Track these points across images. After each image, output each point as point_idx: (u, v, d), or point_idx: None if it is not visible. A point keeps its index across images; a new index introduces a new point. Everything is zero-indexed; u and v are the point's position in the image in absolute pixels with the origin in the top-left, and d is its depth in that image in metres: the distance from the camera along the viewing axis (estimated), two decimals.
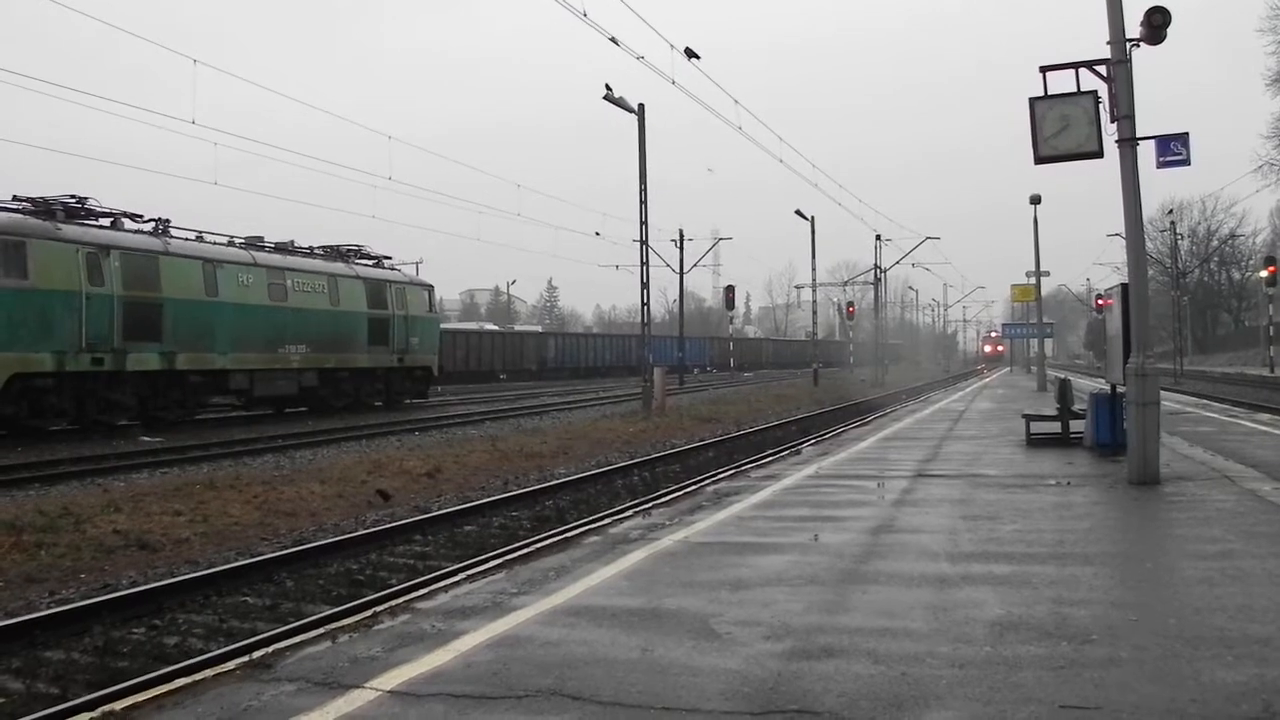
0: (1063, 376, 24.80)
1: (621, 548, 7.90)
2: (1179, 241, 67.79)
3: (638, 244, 30.43)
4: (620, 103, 27.14)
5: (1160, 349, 53.03)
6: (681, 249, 54.92)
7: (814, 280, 56.29)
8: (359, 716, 4.24)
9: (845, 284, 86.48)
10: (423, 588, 7.30)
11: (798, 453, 16.41)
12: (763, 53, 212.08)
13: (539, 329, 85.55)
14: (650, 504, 11.23)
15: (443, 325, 43.33)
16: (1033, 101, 11.23)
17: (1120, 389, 12.38)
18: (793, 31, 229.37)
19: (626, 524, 9.22)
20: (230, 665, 5.13)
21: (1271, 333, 49.79)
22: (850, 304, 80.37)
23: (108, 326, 21.09)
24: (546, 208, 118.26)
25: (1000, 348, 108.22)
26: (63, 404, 20.75)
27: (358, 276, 30.13)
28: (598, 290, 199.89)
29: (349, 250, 31.07)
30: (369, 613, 6.22)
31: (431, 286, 34.72)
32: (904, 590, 6.22)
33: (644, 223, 29.79)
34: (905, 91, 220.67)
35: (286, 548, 10.73)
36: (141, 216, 23.40)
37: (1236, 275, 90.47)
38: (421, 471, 16.09)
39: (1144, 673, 4.50)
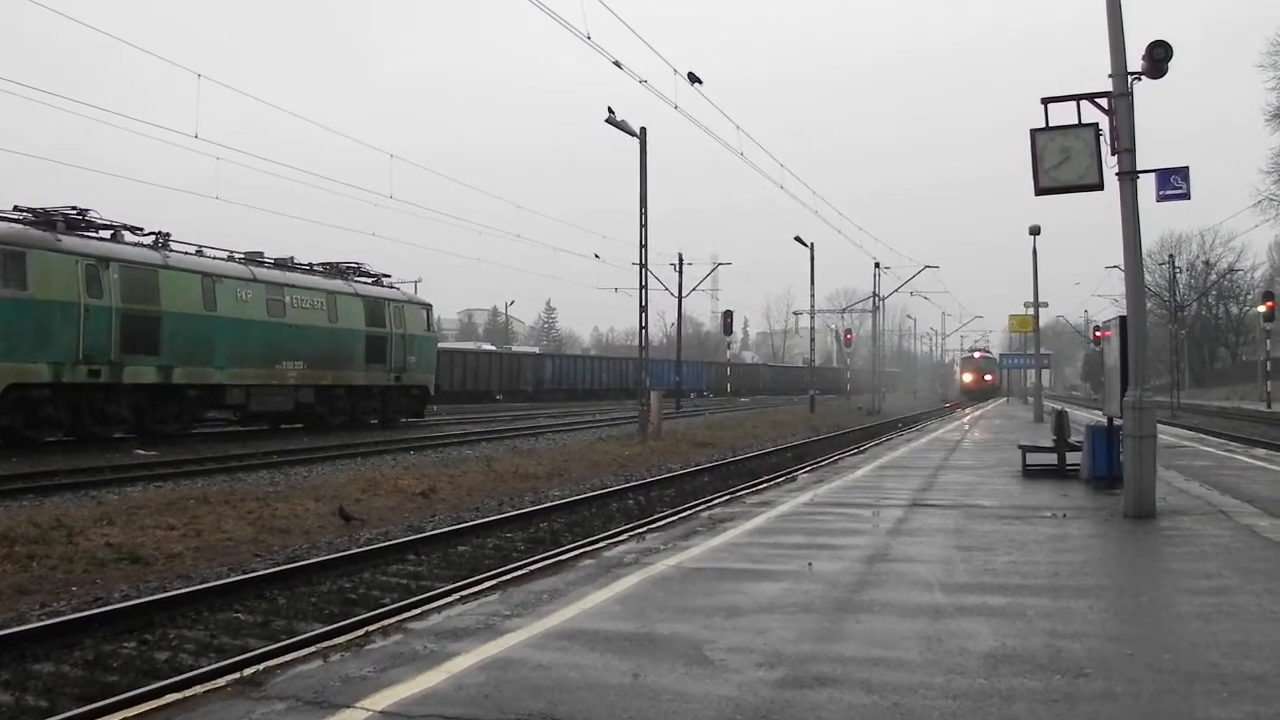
0: (1059, 408, 24.78)
1: (615, 571, 7.88)
2: (1177, 275, 68.03)
3: (637, 267, 30.51)
4: (622, 126, 27.26)
5: (1157, 382, 53.08)
6: (680, 273, 55.10)
7: (812, 307, 56.44)
8: None
9: (843, 311, 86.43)
10: (415, 608, 7.27)
11: (793, 479, 16.39)
12: (766, 82, 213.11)
13: (536, 350, 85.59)
14: (645, 528, 11.20)
15: (440, 345, 43.32)
16: (1034, 133, 11.28)
17: (1117, 421, 12.37)
18: (797, 60, 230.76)
19: (621, 548, 9.19)
20: (221, 682, 5.11)
21: (1269, 368, 49.86)
22: (848, 331, 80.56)
23: (105, 338, 21.10)
24: (546, 229, 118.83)
25: (989, 377, 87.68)
26: (59, 415, 20.74)
27: (356, 294, 30.17)
28: (596, 312, 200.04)
29: (348, 267, 31.14)
30: (361, 632, 6.20)
31: (430, 305, 34.77)
32: (898, 620, 6.20)
33: (643, 246, 29.86)
34: (908, 124, 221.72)
35: (279, 564, 10.69)
36: (142, 229, 23.50)
37: (1234, 309, 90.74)
38: (416, 491, 16.06)
39: (1138, 708, 4.48)
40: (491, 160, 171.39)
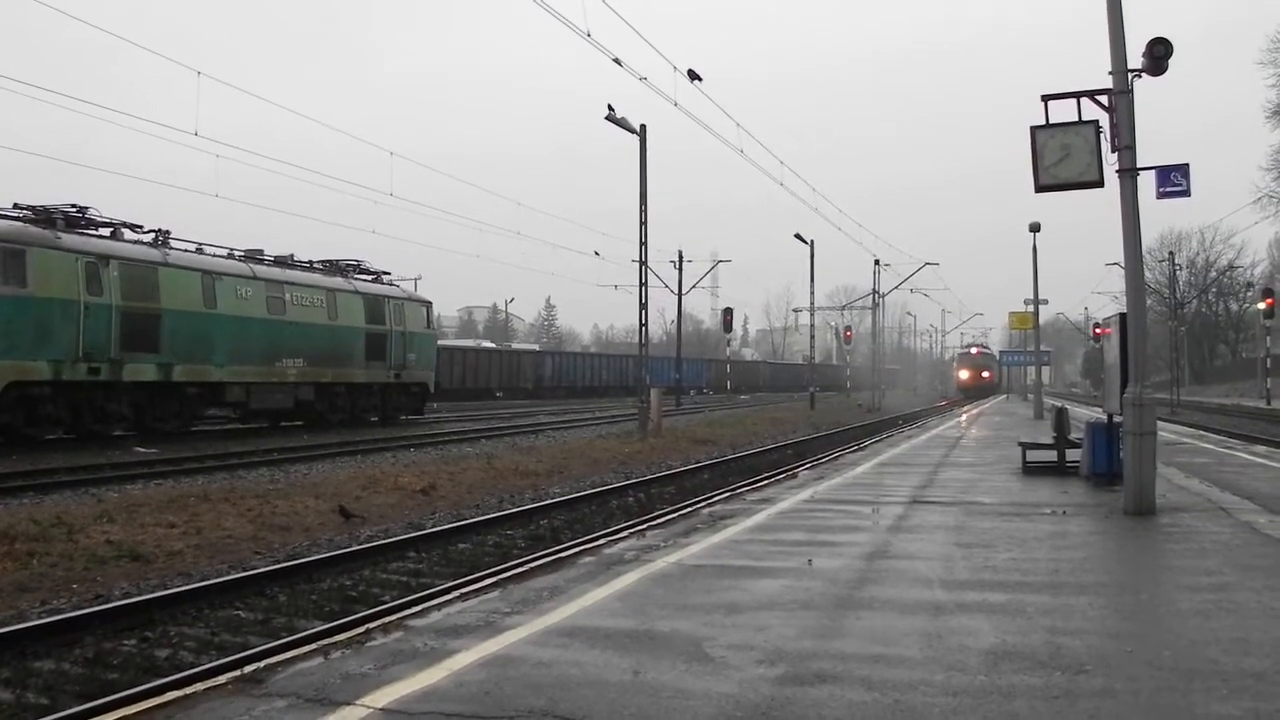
0: (1059, 405, 24.77)
1: (616, 569, 7.88)
2: (1177, 272, 68.04)
3: (637, 264, 30.51)
4: (622, 123, 27.25)
5: (1157, 379, 53.07)
6: (680, 270, 55.11)
7: (812, 304, 56.42)
8: None
9: (843, 308, 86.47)
10: (416, 605, 7.28)
11: (793, 476, 16.38)
12: (765, 81, 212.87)
13: (536, 347, 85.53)
14: (645, 525, 11.21)
15: (440, 342, 43.31)
16: (1034, 130, 11.28)
17: (1117, 418, 12.38)
18: (796, 59, 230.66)
19: (621, 545, 9.19)
20: (222, 679, 5.11)
21: (1269, 365, 49.85)
22: (848, 328, 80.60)
23: (105, 336, 21.09)
24: (546, 227, 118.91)
25: (987, 373, 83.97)
26: (59, 413, 20.73)
27: (356, 291, 30.16)
28: (596, 310, 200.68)
29: (348, 265, 31.15)
30: (361, 629, 6.20)
31: (429, 303, 34.76)
32: (898, 617, 6.20)
33: (643, 243, 29.85)
34: (908, 123, 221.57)
35: (279, 562, 10.69)
36: (141, 227, 23.50)
37: (1234, 306, 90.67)
38: (416, 488, 16.06)
39: (1138, 704, 4.48)
40: (491, 159, 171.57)
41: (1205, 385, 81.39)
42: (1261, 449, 21.67)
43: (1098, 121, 11.04)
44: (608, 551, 8.81)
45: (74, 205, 21.88)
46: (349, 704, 4.54)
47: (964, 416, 41.91)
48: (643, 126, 28.39)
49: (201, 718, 4.44)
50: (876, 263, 57.88)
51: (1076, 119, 11.14)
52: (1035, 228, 37.60)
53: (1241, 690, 4.65)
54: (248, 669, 5.24)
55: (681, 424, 35.31)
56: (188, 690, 4.95)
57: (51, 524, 11.45)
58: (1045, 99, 11.32)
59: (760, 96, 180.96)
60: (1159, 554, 8.90)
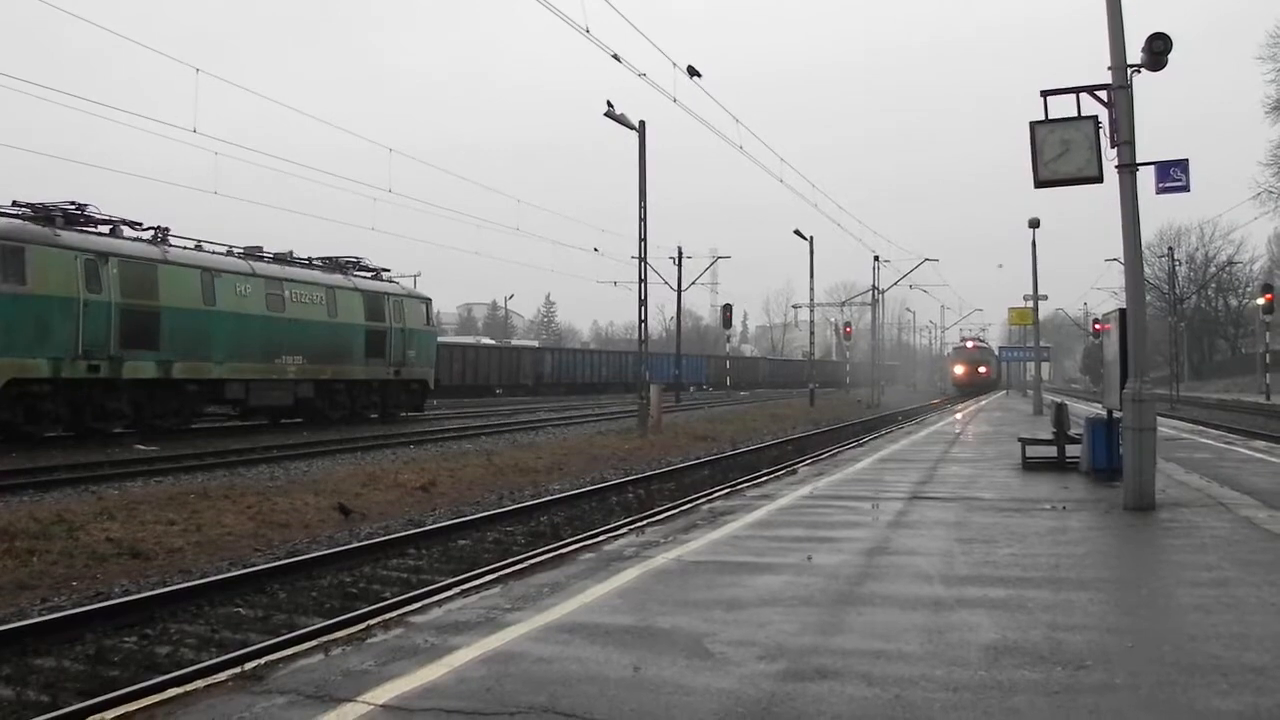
0: (1059, 400, 24.78)
1: (616, 565, 7.88)
2: (1177, 267, 68.06)
3: (636, 261, 30.49)
4: (621, 119, 27.22)
5: (1156, 374, 53.04)
6: (680, 267, 55.03)
7: (811, 300, 56.42)
8: None
9: (843, 304, 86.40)
10: (416, 602, 7.28)
11: (793, 472, 16.38)
12: (765, 78, 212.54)
13: (536, 344, 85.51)
14: (645, 522, 11.21)
15: (440, 339, 43.29)
16: (1033, 125, 11.27)
17: (1117, 414, 12.38)
18: (796, 57, 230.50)
19: (621, 541, 9.19)
20: (222, 676, 5.11)
21: (1268, 360, 49.84)
22: (848, 324, 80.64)
23: (104, 334, 21.08)
24: (545, 223, 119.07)
25: (984, 369, 79.73)
26: (58, 410, 20.72)
27: (355, 288, 30.14)
28: (595, 306, 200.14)
29: (347, 262, 31.11)
30: (361, 626, 6.20)
31: (429, 299, 34.73)
32: (899, 612, 6.21)
33: (643, 240, 29.84)
34: (909, 121, 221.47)
35: (279, 559, 10.70)
36: (140, 224, 23.46)
37: (1234, 302, 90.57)
38: (416, 485, 16.06)
39: (1139, 699, 4.48)
40: (490, 155, 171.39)
41: (1204, 381, 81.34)
42: (1261, 444, 21.69)
43: (1097, 117, 11.03)
44: (608, 548, 8.81)
45: (73, 202, 21.86)
46: (349, 701, 4.54)
47: (963, 413, 41.90)
48: (642, 123, 28.36)
49: (202, 715, 4.44)
50: (876, 259, 57.90)
51: (1076, 114, 11.14)
52: (1034, 223, 37.61)
53: (1242, 685, 4.65)
54: (248, 666, 5.25)
55: (681, 420, 35.30)
56: (188, 687, 4.96)
57: (52, 521, 11.45)
58: (1045, 94, 11.32)
59: (760, 94, 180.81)
60: (1159, 549, 8.91)
